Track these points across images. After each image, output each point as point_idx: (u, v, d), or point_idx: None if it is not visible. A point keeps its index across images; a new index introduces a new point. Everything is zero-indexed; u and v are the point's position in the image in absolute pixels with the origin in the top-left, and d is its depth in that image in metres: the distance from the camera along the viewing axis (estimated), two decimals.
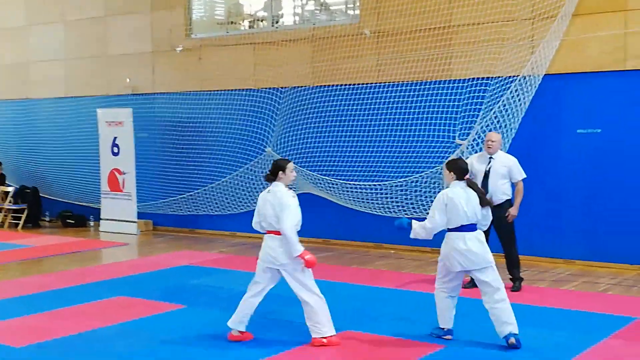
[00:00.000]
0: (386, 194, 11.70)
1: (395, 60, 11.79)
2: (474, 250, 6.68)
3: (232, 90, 13.59)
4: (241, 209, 13.31)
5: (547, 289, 9.14)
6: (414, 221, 6.94)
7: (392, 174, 11.63)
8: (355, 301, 8.56)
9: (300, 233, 6.59)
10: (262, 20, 14.09)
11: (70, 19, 15.81)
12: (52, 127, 16.14)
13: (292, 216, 6.68)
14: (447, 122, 11.22)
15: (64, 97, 15.98)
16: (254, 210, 7.07)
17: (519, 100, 10.42)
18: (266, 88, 13.11)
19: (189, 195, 14.10)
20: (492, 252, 9.08)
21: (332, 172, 12.23)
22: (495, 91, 10.66)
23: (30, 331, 7.38)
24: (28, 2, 16.52)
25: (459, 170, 6.81)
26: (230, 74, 13.59)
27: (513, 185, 8.99)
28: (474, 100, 10.97)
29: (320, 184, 12.24)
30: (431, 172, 11.21)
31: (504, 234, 8.94)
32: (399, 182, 11.46)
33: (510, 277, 8.96)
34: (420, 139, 11.44)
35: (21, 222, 15.31)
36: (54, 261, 11.68)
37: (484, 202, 6.78)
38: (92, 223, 15.44)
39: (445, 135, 11.22)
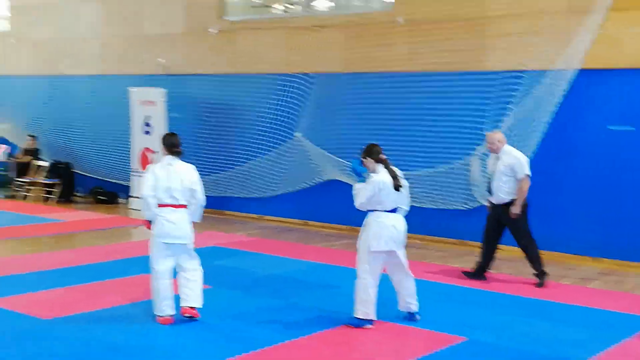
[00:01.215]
0: (414, 183, 11.68)
1: (428, 49, 11.73)
2: (401, 230, 7.02)
3: (263, 73, 13.63)
4: (269, 192, 13.39)
5: (572, 286, 9.10)
6: (361, 183, 7.04)
7: (420, 164, 11.60)
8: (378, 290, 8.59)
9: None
10: (296, 5, 14.09)
11: None
12: (86, 103, 16.31)
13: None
14: (478, 113, 11.16)
15: (98, 75, 16.14)
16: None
17: (552, 94, 10.35)
18: (298, 73, 13.13)
19: (218, 176, 14.21)
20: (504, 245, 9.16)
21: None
22: (527, 84, 10.59)
23: (57, 304, 7.55)
24: None
25: (375, 153, 7.01)
26: (263, 58, 13.62)
27: None
28: (506, 93, 10.89)
29: (349, 171, 12.26)
30: (460, 163, 11.19)
31: (513, 232, 8.98)
32: (427, 172, 11.46)
33: (534, 272, 8.95)
34: (450, 129, 11.40)
35: (54, 197, 15.56)
36: (84, 236, 11.89)
37: (395, 184, 6.94)
38: (123, 200, 15.63)
39: (474, 126, 11.16)
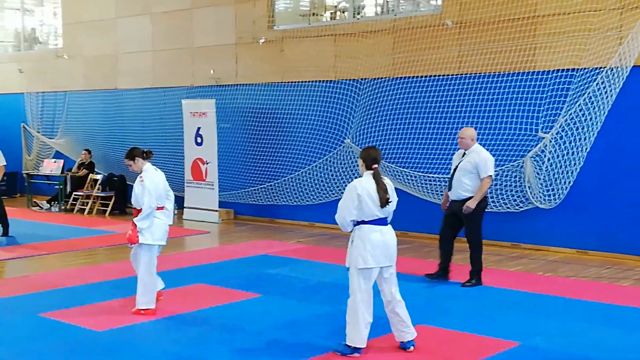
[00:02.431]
0: None
1: (478, 51, 11.58)
2: (392, 243, 6.34)
3: (312, 81, 13.65)
4: (320, 199, 13.37)
5: (630, 287, 8.83)
6: None
7: None
8: (428, 295, 8.48)
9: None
10: (343, 12, 14.08)
11: (157, 11, 16.16)
12: (139, 117, 16.55)
13: None
14: (530, 114, 10.97)
15: (150, 88, 16.36)
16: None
17: (606, 92, 10.11)
18: (346, 79, 13.11)
19: (269, 185, 14.26)
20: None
21: (410, 165, 12.14)
22: (580, 83, 10.37)
23: (111, 316, 7.61)
24: None
25: (369, 159, 6.33)
26: (311, 66, 13.64)
27: None
28: (559, 92, 10.69)
29: (398, 176, 12.18)
30: (512, 165, 11.00)
31: (466, 226, 8.85)
32: None
33: (471, 270, 8.90)
34: (502, 131, 11.22)
35: (108, 209, 15.79)
36: None
37: (380, 197, 6.20)
38: (175, 211, 15.72)
39: (528, 128, 10.97)
